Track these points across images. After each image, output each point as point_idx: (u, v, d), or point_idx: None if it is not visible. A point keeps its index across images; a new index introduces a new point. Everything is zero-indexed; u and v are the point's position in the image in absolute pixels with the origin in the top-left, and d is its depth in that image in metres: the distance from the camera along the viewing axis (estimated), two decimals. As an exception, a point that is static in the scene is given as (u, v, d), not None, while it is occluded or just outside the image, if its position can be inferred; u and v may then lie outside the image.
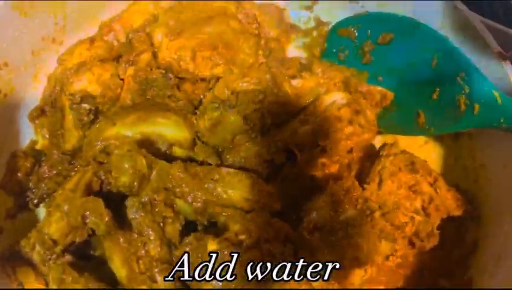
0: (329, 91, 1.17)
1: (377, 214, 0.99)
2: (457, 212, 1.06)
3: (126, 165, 0.96)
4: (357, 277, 0.97)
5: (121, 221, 0.95)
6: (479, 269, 1.03)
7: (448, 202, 1.05)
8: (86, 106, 1.12)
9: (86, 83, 1.13)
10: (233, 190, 0.98)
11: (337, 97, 1.14)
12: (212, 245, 0.90)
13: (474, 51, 1.09)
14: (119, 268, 0.93)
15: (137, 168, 0.96)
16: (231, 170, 0.99)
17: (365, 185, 1.04)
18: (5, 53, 1.13)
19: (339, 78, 1.23)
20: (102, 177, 0.99)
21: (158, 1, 1.28)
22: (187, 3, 1.23)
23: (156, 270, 0.91)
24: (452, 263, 1.07)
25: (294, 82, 1.20)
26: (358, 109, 1.12)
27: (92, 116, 1.12)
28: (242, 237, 0.91)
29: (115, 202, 0.97)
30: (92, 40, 1.24)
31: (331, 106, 1.12)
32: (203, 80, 1.16)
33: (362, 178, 1.08)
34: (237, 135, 1.10)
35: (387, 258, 0.99)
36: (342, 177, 1.04)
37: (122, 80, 1.16)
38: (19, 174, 1.13)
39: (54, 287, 0.90)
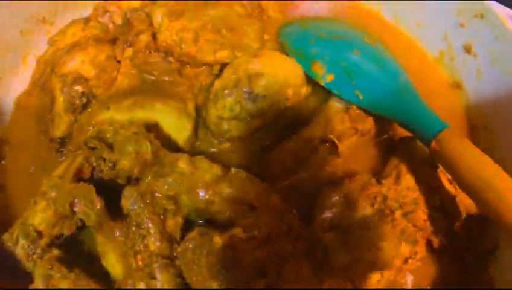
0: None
1: (398, 213, 0.92)
2: (476, 211, 0.99)
3: (130, 148, 0.88)
4: (373, 280, 0.89)
5: (112, 214, 0.87)
6: (500, 267, 0.97)
7: (467, 201, 0.97)
8: (78, 88, 1.03)
9: (79, 64, 1.06)
10: (238, 190, 0.90)
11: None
12: (219, 240, 0.82)
13: (491, 38, 1.05)
14: (114, 264, 0.85)
15: (141, 153, 0.88)
16: (241, 171, 0.92)
17: (382, 181, 0.97)
18: (-9, 30, 1.05)
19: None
20: (94, 164, 0.90)
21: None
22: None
23: (156, 265, 0.82)
24: (471, 261, 1.00)
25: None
26: None
27: (84, 100, 1.03)
28: (254, 232, 0.83)
29: (107, 191, 0.88)
30: (86, 21, 1.16)
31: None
32: (205, 64, 1.09)
33: (378, 173, 1.02)
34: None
35: (406, 261, 0.92)
36: (356, 174, 0.98)
37: (119, 62, 1.08)
38: (3, 162, 1.04)
39: (40, 284, 0.81)
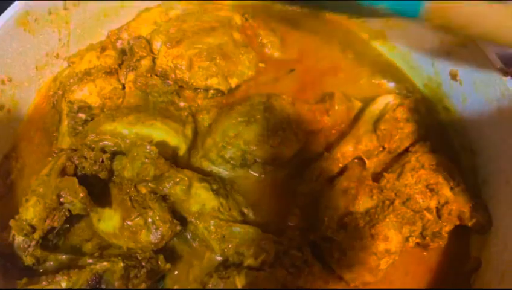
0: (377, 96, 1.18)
1: (397, 202, 0.98)
2: (468, 223, 1.02)
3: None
4: (383, 263, 0.95)
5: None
6: (483, 285, 0.99)
7: (464, 211, 1.02)
8: (82, 116, 1.12)
9: (86, 94, 1.15)
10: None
11: (389, 99, 1.15)
12: (241, 281, 0.88)
13: (475, 67, 1.09)
14: (111, 215, 0.96)
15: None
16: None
17: (384, 173, 1.04)
18: (9, 68, 1.14)
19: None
20: (76, 162, 0.98)
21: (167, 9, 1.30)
22: (193, 11, 1.26)
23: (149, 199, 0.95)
24: (456, 278, 1.03)
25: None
26: (411, 107, 1.13)
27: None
28: (262, 257, 0.90)
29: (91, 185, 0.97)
30: (103, 48, 1.24)
31: (385, 108, 1.13)
32: (198, 89, 1.17)
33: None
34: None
35: (407, 239, 0.99)
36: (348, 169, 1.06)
37: (124, 88, 1.17)
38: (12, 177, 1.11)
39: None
